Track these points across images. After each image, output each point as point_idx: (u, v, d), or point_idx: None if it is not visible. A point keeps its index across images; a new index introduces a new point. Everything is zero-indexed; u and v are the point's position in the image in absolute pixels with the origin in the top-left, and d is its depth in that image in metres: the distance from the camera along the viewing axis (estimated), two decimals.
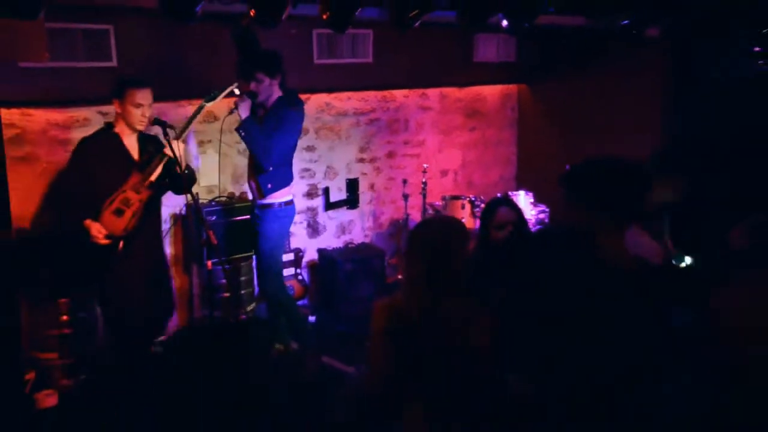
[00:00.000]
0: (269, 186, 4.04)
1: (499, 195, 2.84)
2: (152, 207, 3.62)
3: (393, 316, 2.12)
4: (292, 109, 4.01)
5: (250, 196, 4.75)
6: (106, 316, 3.80)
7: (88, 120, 4.48)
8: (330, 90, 5.40)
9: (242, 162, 4.96)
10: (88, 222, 3.39)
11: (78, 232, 3.42)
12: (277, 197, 4.12)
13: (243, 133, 3.86)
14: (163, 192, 3.68)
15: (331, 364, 4.36)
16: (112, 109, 4.12)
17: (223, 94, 3.68)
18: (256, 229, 4.15)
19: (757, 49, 4.17)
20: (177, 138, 3.49)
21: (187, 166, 3.68)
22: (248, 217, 4.56)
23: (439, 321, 2.08)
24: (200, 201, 4.30)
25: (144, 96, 3.49)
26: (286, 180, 4.13)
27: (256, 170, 4.05)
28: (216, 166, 4.81)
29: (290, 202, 4.17)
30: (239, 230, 4.74)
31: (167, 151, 3.44)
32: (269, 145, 3.86)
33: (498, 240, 3.11)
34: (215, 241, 3.68)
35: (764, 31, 4.00)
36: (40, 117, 4.38)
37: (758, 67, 4.18)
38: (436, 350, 2.07)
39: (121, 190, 3.46)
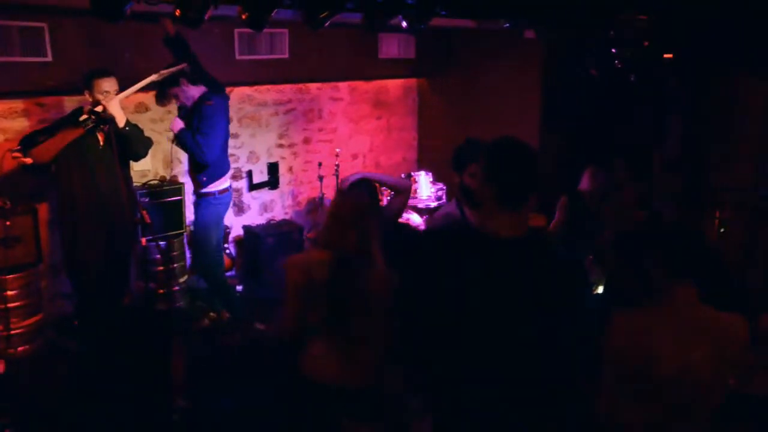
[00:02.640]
0: (204, 179, 4.06)
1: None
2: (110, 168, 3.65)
3: (305, 271, 2.26)
4: (216, 95, 3.99)
5: (180, 179, 4.96)
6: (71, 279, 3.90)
7: (26, 111, 4.40)
8: (251, 83, 5.41)
9: (171, 148, 4.82)
10: None
11: None
12: (213, 187, 4.13)
13: (180, 146, 3.95)
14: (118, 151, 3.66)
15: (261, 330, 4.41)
16: (49, 100, 4.30)
17: (173, 70, 3.75)
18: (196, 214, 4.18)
19: (613, 50, 4.57)
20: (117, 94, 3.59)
21: (129, 123, 3.66)
22: (179, 198, 4.71)
23: (347, 273, 2.23)
24: (134, 184, 4.29)
25: (110, 83, 3.60)
26: (221, 170, 4.12)
27: (193, 166, 4.07)
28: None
29: (225, 190, 4.16)
30: (170, 210, 4.76)
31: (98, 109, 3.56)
32: (207, 144, 3.87)
33: None
34: (149, 221, 3.68)
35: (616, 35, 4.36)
36: None
37: (614, 66, 4.63)
38: (343, 297, 2.24)
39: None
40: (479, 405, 1.76)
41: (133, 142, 3.72)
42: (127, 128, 3.67)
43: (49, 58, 4.15)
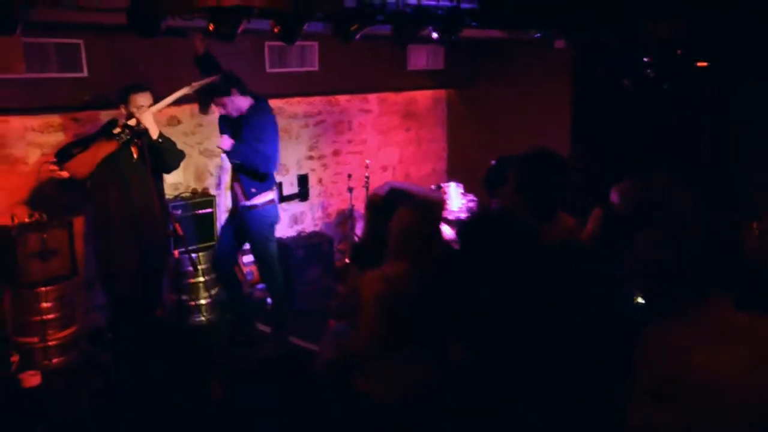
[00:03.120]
0: (253, 190, 4.00)
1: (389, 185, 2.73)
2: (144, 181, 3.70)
3: (389, 284, 2.21)
4: (271, 113, 4.04)
5: (212, 192, 4.99)
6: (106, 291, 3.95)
7: (62, 125, 4.45)
8: (281, 96, 5.43)
9: (202, 161, 5.00)
10: None
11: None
12: (260, 198, 4.11)
13: (237, 160, 3.87)
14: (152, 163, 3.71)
15: (298, 344, 4.36)
16: (84, 115, 4.35)
17: (205, 82, 3.74)
18: (243, 228, 4.11)
19: (646, 59, 4.50)
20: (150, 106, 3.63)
21: (162, 135, 3.71)
22: (210, 210, 4.76)
23: (422, 287, 2.20)
24: (167, 197, 4.31)
25: (145, 98, 3.67)
26: (269, 183, 4.10)
27: (246, 175, 3.99)
28: (181, 166, 4.61)
29: (271, 201, 4.15)
30: (202, 222, 4.79)
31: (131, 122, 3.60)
32: (267, 152, 3.85)
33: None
34: (181, 233, 3.78)
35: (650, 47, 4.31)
36: (17, 123, 4.32)
37: (647, 75, 4.55)
38: (421, 310, 2.19)
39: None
40: (499, 399, 1.77)
41: (166, 155, 3.75)
42: (160, 140, 3.71)
43: (85, 74, 4.26)
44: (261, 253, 4.11)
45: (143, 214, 3.74)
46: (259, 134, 3.85)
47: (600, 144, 5.02)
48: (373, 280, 2.24)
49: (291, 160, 5.69)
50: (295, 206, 5.80)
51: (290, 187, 5.72)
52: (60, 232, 4.12)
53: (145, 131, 3.61)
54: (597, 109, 5.16)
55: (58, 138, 4.35)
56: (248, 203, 4.02)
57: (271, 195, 4.11)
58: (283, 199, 5.49)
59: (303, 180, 5.75)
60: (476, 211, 5.34)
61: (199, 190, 5.08)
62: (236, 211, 4.10)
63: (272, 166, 3.94)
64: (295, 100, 5.59)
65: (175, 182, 4.93)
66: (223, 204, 4.96)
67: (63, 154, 3.71)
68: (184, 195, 4.86)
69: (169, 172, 3.93)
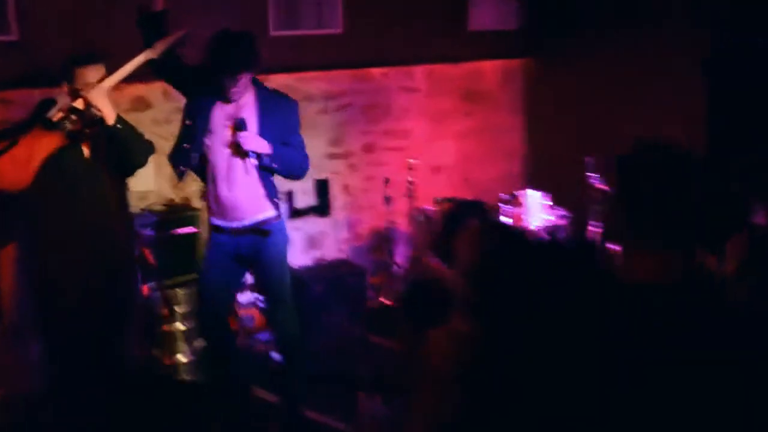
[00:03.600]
0: (275, 199, 4.05)
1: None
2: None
3: (461, 351, 2.06)
4: (292, 99, 4.09)
5: (195, 204, 4.94)
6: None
7: None
8: (290, 69, 5.30)
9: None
10: None
11: None
12: (272, 209, 4.09)
13: (276, 165, 3.90)
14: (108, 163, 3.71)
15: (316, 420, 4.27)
16: (15, 95, 4.33)
17: (173, 40, 3.69)
18: (252, 254, 4.05)
19: None
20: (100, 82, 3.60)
21: (121, 119, 3.65)
22: (194, 229, 4.72)
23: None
24: (132, 210, 4.25)
25: (96, 72, 3.62)
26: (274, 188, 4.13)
27: (270, 176, 4.02)
28: (151, 166, 4.68)
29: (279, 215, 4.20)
30: (181, 246, 4.74)
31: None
32: (303, 148, 4.01)
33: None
34: (152, 261, 3.88)
35: None
36: None
37: None
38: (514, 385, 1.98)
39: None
40: None
41: (128, 146, 3.68)
42: (118, 126, 3.59)
43: (15, 36, 4.18)
44: (277, 288, 4.09)
45: (98, 236, 3.71)
46: (297, 129, 3.98)
47: (746, 143, 4.78)
48: (441, 340, 2.10)
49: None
50: (312, 223, 5.72)
51: (305, 197, 5.64)
52: None
53: (99, 118, 3.55)
54: (745, 85, 4.88)
55: None
56: (271, 216, 4.01)
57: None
58: (295, 213, 5.54)
59: (322, 187, 5.68)
60: (566, 236, 5.26)
61: (177, 200, 5.03)
62: (237, 231, 4.00)
63: (306, 170, 4.15)
64: (311, 74, 5.47)
65: (144, 190, 4.90)
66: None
67: None
68: (155, 208, 4.87)
69: (132, 171, 3.87)
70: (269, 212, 3.98)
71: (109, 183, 3.72)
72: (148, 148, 3.89)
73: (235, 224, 3.99)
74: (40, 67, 4.12)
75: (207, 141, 3.84)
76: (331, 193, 5.75)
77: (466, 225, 2.73)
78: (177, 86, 4.02)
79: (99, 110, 3.55)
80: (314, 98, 5.58)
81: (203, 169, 3.94)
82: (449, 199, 5.36)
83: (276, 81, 5.21)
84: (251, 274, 4.29)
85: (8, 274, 4.22)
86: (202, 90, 3.84)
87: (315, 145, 5.47)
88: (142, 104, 4.90)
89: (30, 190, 3.67)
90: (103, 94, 3.57)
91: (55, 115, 3.58)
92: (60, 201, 3.71)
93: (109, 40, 4.15)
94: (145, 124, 4.70)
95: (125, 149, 3.71)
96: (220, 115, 3.89)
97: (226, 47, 3.67)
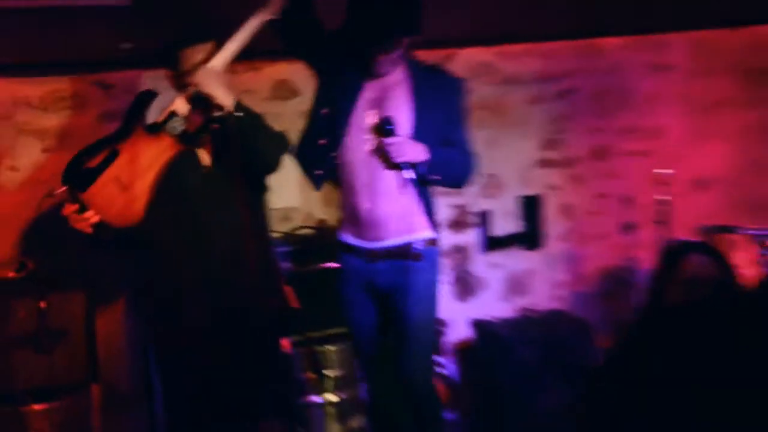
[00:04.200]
0: (433, 216, 4.04)
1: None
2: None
3: None
4: (457, 77, 4.01)
5: None
6: None
7: (79, 96, 4.58)
8: (488, 41, 5.28)
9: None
10: None
11: None
12: (429, 230, 4.03)
13: (436, 176, 3.89)
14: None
15: None
16: (121, 77, 4.55)
17: None
18: (389, 284, 4.00)
19: None
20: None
21: (241, 105, 3.68)
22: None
23: None
24: (272, 235, 4.28)
25: (204, 52, 3.68)
26: (433, 202, 4.10)
27: (429, 186, 4.03)
28: (295, 174, 4.56)
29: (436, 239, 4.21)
30: (336, 285, 4.40)
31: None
32: (469, 146, 3.98)
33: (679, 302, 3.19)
34: (296, 304, 3.80)
35: None
36: (1, 91, 4.50)
37: None
38: None
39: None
40: None
41: (254, 141, 3.67)
42: (239, 114, 3.57)
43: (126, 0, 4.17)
44: (416, 331, 3.98)
45: (227, 273, 3.74)
46: (462, 120, 3.95)
47: None
48: None
49: (507, 168, 5.58)
50: (516, 259, 5.65)
51: (506, 221, 5.61)
52: (70, 302, 4.21)
53: (214, 109, 3.60)
54: None
55: (73, 121, 4.57)
56: (409, 239, 3.95)
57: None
58: (492, 244, 5.56)
59: (530, 207, 5.62)
60: None
61: (331, 222, 4.98)
62: (374, 255, 4.01)
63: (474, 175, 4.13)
64: (518, 48, 5.45)
65: (285, 208, 5.02)
66: None
67: (75, 174, 3.61)
68: (302, 232, 4.96)
69: (261, 177, 3.88)
70: (423, 233, 3.95)
71: (240, 199, 3.67)
72: (281, 144, 3.87)
73: (373, 245, 3.98)
74: (151, 42, 4.10)
75: (346, 137, 3.92)
76: (543, 215, 5.65)
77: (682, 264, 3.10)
78: (308, 59, 4.03)
79: (211, 97, 3.57)
80: (521, 81, 5.52)
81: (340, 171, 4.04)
82: (724, 227, 5.11)
83: (464, 57, 5.35)
84: (381, 310, 4.21)
85: (116, 331, 4.56)
86: (341, 66, 3.90)
87: (521, 147, 5.57)
88: (284, 90, 4.99)
89: (140, 223, 3.72)
90: (214, 76, 3.58)
91: (156, 114, 3.63)
92: (177, 231, 3.77)
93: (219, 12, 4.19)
94: (288, 116, 4.71)
95: (249, 146, 3.69)
96: (362, 101, 3.93)
97: (377, 2, 3.68)
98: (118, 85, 4.63)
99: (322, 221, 5.08)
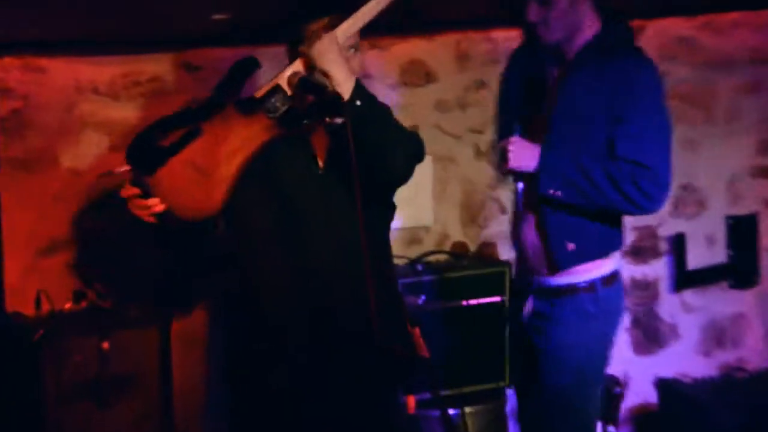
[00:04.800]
0: (571, 246, 3.75)
1: None
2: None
3: None
4: (642, 58, 3.78)
5: (501, 253, 5.14)
6: None
7: (159, 81, 4.62)
8: (690, 9, 5.18)
9: (482, 175, 5.14)
10: None
11: None
12: (589, 270, 3.78)
13: (560, 194, 3.74)
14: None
15: None
16: (209, 58, 4.62)
17: None
18: (534, 335, 3.90)
19: None
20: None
21: (363, 92, 3.44)
22: (498, 298, 4.80)
23: None
24: (397, 258, 4.20)
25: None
26: (608, 232, 3.87)
27: (563, 211, 3.85)
28: (428, 185, 4.90)
29: (614, 277, 3.87)
30: (479, 328, 4.74)
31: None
32: (658, 168, 3.67)
33: None
34: (425, 352, 3.68)
35: None
36: (61, 74, 4.48)
37: None
38: None
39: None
40: None
41: (376, 136, 3.40)
42: (357, 102, 3.33)
43: None
44: (563, 399, 3.85)
45: (338, 305, 3.56)
46: (642, 127, 3.68)
47: None
48: None
49: (708, 178, 5.44)
50: (719, 299, 5.45)
51: (706, 249, 5.44)
52: (142, 342, 4.26)
53: (329, 91, 3.33)
54: None
55: (150, 112, 4.47)
56: (557, 281, 3.82)
57: (612, 263, 3.89)
58: (685, 280, 5.41)
59: (740, 231, 5.44)
60: None
61: (473, 246, 5.13)
62: (534, 293, 3.93)
63: (660, 198, 3.68)
64: (722, 19, 5.38)
65: (415, 226, 5.04)
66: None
67: (143, 152, 3.50)
68: (437, 258, 4.94)
69: (385, 185, 3.60)
70: (590, 272, 3.78)
71: (357, 215, 3.29)
72: (411, 143, 3.57)
73: (529, 281, 3.96)
74: (254, 11, 4.17)
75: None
76: (758, 242, 5.44)
77: None
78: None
79: (326, 75, 3.28)
80: (734, 62, 5.39)
81: None
82: None
83: (658, 30, 5.27)
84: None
85: (193, 355, 4.64)
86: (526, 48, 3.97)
87: (729, 150, 5.41)
88: (417, 74, 4.99)
89: (222, 221, 3.57)
90: (333, 48, 3.31)
91: (261, 92, 3.38)
92: (269, 249, 3.56)
93: None
94: (423, 108, 4.86)
95: (371, 146, 3.34)
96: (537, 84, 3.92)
97: None
98: (208, 67, 4.61)
99: (460, 244, 5.07)
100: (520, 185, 3.83)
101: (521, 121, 3.83)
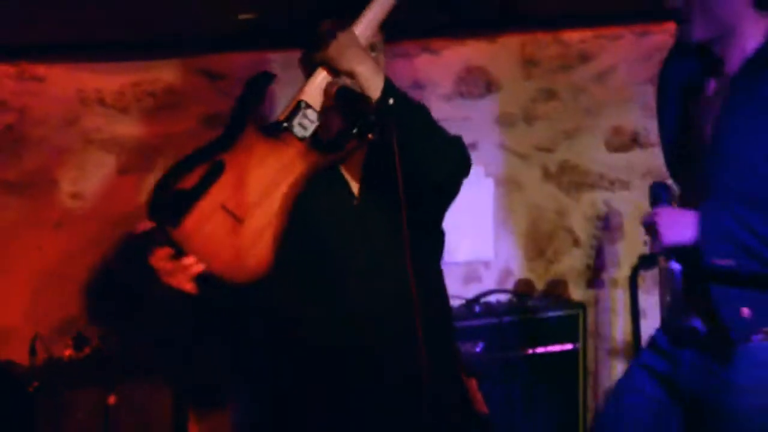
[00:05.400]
0: (745, 312, 3.60)
1: None
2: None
3: None
4: None
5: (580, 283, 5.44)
6: None
7: (175, 91, 4.64)
8: None
9: (552, 204, 5.21)
10: None
11: None
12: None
13: (732, 262, 3.59)
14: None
15: None
16: (233, 64, 4.70)
17: None
18: (695, 384, 3.68)
19: None
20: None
21: (393, 90, 3.35)
22: (570, 347, 4.89)
23: None
24: (452, 298, 3.99)
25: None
26: None
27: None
28: (488, 213, 4.93)
29: None
30: (548, 382, 4.79)
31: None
32: None
33: None
34: (484, 408, 3.71)
35: None
36: (62, 83, 4.50)
37: None
38: None
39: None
40: None
41: (413, 139, 3.35)
42: (390, 101, 3.28)
43: None
44: None
45: (379, 355, 3.55)
46: None
47: None
48: None
49: None
50: None
51: None
52: (152, 398, 4.28)
53: (360, 99, 3.31)
54: None
55: (164, 127, 4.61)
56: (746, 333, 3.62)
57: None
58: None
59: None
60: None
61: (540, 285, 5.24)
62: (672, 357, 3.76)
63: None
64: None
65: (473, 260, 5.09)
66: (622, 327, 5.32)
67: (164, 201, 3.41)
68: (495, 300, 4.97)
69: (435, 208, 3.62)
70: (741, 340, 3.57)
71: (402, 248, 3.26)
72: (455, 149, 3.47)
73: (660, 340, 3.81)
74: (283, 10, 4.20)
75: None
76: None
77: None
78: None
79: (351, 75, 3.25)
80: None
81: None
82: None
83: None
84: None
85: (213, 412, 4.79)
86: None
87: None
88: (477, 84, 5.02)
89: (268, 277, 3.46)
90: (355, 46, 3.29)
91: (292, 118, 3.32)
92: (306, 288, 3.52)
93: None
94: (482, 122, 4.90)
95: (407, 149, 3.27)
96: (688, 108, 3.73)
97: None
98: (232, 75, 4.64)
99: (526, 283, 5.13)
100: (676, 266, 3.69)
101: (670, 166, 3.76)
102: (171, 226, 3.20)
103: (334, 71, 3.27)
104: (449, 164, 3.46)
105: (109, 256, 4.61)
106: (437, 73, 4.86)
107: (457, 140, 3.48)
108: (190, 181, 3.27)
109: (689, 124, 3.73)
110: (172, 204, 3.26)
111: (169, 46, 4.64)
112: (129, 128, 4.58)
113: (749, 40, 3.44)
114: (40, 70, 4.46)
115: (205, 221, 3.27)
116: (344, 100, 3.25)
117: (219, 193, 3.29)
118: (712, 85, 3.56)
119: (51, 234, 4.52)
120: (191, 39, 4.67)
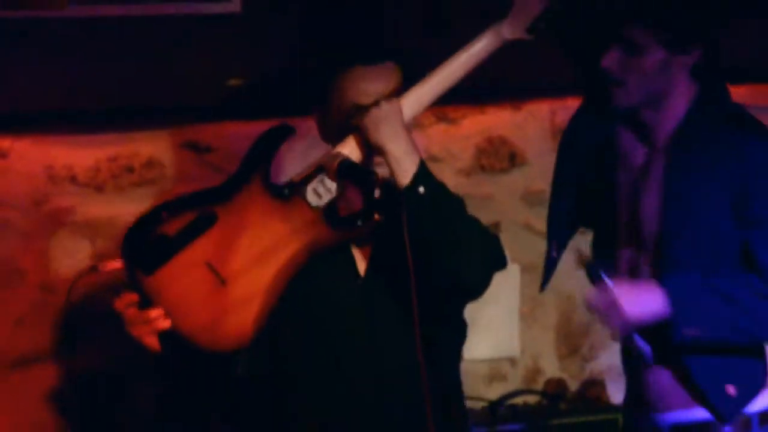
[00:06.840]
0: (731, 390, 3.53)
1: None
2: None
3: None
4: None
5: (612, 394, 5.27)
6: None
7: (158, 165, 4.65)
8: None
9: (582, 284, 4.74)
10: None
11: None
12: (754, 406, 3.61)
13: (698, 333, 3.53)
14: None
15: None
16: (222, 135, 4.68)
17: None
18: None
19: None
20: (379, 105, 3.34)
21: (427, 176, 3.31)
22: None
23: None
24: (471, 401, 4.36)
25: (377, 79, 3.39)
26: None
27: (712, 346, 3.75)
28: (514, 303, 4.97)
29: None
30: None
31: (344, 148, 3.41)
32: None
33: None
34: None
35: None
36: (28, 158, 4.55)
37: None
38: None
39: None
40: None
41: (445, 238, 3.30)
42: (420, 190, 3.24)
43: (236, 7, 4.10)
44: None
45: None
46: None
47: None
48: None
49: None
50: None
51: None
52: None
53: (379, 177, 3.23)
54: None
55: (143, 197, 4.55)
56: (694, 414, 3.60)
57: None
58: None
59: None
60: None
61: (573, 386, 5.17)
62: None
63: None
64: None
65: (497, 357, 5.07)
66: None
67: (141, 243, 3.26)
68: (522, 402, 4.89)
69: (459, 301, 3.52)
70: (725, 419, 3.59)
71: (414, 341, 3.09)
72: (490, 245, 3.37)
73: (652, 421, 3.66)
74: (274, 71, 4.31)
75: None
76: None
77: None
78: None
79: (381, 152, 3.13)
80: None
81: None
82: None
83: None
84: None
85: None
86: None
87: None
88: (500, 156, 5.01)
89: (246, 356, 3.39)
90: (395, 122, 3.15)
91: (308, 183, 3.24)
92: (304, 372, 3.37)
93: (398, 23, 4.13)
94: (506, 199, 4.96)
95: (436, 240, 3.21)
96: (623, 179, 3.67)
97: None
98: (221, 147, 4.70)
99: (557, 382, 5.08)
100: (646, 347, 3.52)
101: (596, 236, 3.60)
102: (143, 272, 3.11)
103: (366, 143, 3.18)
104: (481, 268, 3.29)
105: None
106: (455, 144, 4.88)
107: (494, 240, 3.41)
108: (174, 226, 3.15)
109: (614, 193, 3.53)
110: (149, 248, 3.15)
111: (150, 116, 4.65)
112: (105, 209, 4.59)
113: (679, 107, 3.42)
114: (4, 143, 4.48)
115: (182, 275, 3.18)
116: (346, 176, 3.09)
117: (205, 247, 3.18)
118: (640, 151, 3.49)
119: (12, 330, 4.38)
120: (174, 107, 4.66)
